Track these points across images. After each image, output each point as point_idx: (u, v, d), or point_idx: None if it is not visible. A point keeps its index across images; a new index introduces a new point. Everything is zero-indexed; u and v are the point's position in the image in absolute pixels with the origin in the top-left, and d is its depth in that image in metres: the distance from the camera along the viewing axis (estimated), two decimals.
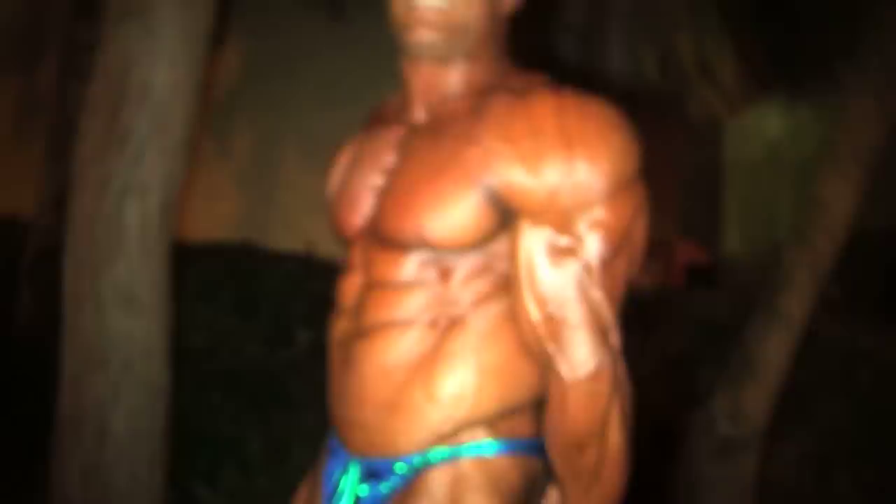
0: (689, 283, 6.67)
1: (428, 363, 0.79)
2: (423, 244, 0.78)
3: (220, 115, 5.09)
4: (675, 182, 5.76)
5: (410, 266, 0.80)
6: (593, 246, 0.74)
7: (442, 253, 0.79)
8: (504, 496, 0.78)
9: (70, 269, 1.73)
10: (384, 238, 0.82)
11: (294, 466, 2.40)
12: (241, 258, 3.99)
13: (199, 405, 2.88)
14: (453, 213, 0.76)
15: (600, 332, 0.75)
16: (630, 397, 0.78)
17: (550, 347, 0.75)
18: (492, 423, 0.80)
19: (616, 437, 0.76)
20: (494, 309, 0.79)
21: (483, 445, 0.79)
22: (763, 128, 6.91)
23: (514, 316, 0.78)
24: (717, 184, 7.40)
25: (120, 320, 1.69)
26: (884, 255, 5.48)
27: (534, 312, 0.75)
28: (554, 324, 0.74)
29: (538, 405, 0.80)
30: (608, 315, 0.75)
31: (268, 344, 3.63)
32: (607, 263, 0.75)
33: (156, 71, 1.68)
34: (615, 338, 0.77)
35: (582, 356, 0.74)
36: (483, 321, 0.79)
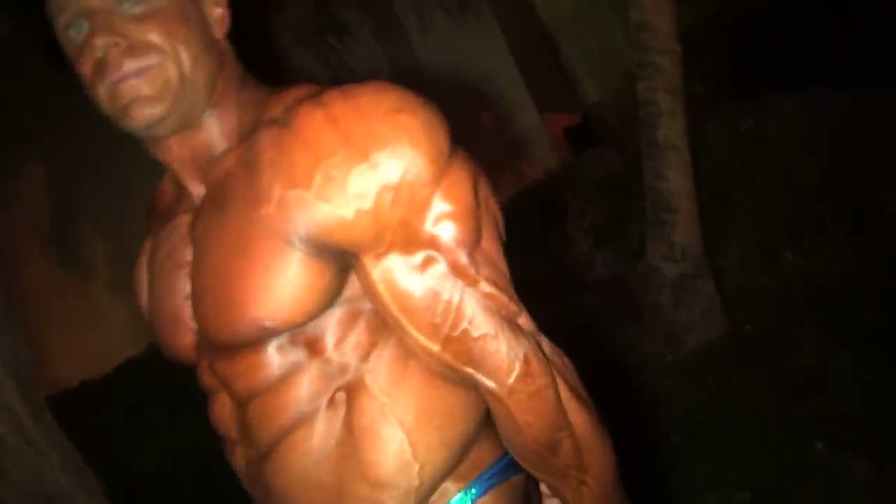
0: (574, 149, 6.73)
1: (351, 449, 0.67)
2: (268, 334, 0.65)
3: (64, 239, 4.71)
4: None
5: (271, 360, 0.67)
6: (451, 242, 0.63)
7: (295, 329, 0.66)
8: None
9: None
10: (224, 346, 0.68)
11: None
12: (157, 366, 3.73)
13: None
14: (283, 287, 0.63)
15: (508, 325, 0.65)
16: (569, 366, 0.69)
17: (466, 370, 0.64)
18: (453, 471, 0.69)
19: (580, 418, 0.67)
20: (386, 353, 0.67)
21: (458, 500, 0.69)
22: None
23: (410, 352, 0.67)
24: (551, 46, 7.40)
25: None
26: (731, 38, 5.62)
27: (429, 344, 0.64)
28: (457, 344, 0.63)
29: (488, 422, 0.70)
30: (507, 300, 0.65)
31: None
32: (475, 249, 0.64)
33: None
34: (526, 319, 0.67)
35: (503, 362, 0.64)
36: (382, 373, 0.67)
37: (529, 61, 6.46)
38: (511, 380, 0.64)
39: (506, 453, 0.71)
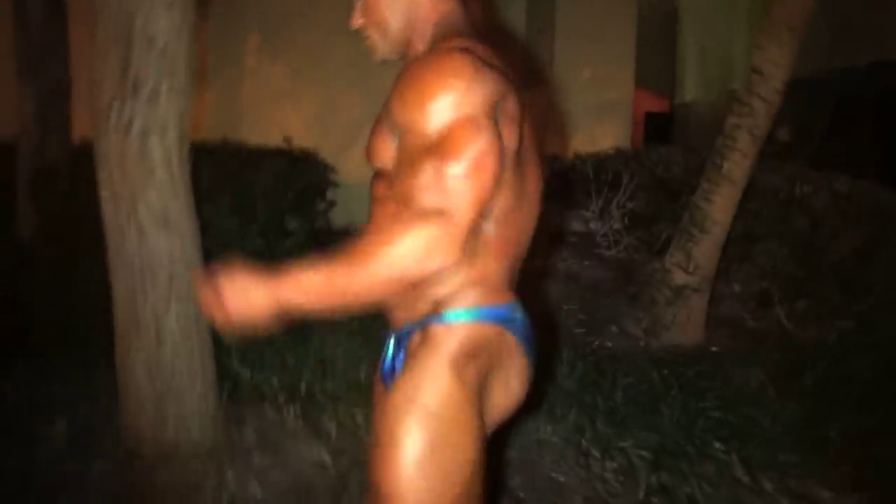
0: (648, 132, 6.91)
1: None
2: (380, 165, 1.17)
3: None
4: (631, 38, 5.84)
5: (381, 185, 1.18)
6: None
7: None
8: (460, 351, 1.09)
9: (107, 201, 1.97)
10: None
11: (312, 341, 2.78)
12: (226, 157, 4.13)
13: None
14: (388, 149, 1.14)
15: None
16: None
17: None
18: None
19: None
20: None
21: (452, 313, 1.10)
22: None
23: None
24: (674, 34, 7.49)
25: (160, 242, 1.97)
26: (833, 97, 5.75)
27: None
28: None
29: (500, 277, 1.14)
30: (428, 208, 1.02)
31: (264, 236, 3.87)
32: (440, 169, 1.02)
33: (156, 18, 1.86)
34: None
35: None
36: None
37: (647, 35, 6.56)
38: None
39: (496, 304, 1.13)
